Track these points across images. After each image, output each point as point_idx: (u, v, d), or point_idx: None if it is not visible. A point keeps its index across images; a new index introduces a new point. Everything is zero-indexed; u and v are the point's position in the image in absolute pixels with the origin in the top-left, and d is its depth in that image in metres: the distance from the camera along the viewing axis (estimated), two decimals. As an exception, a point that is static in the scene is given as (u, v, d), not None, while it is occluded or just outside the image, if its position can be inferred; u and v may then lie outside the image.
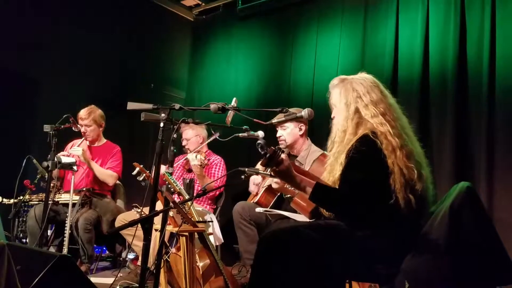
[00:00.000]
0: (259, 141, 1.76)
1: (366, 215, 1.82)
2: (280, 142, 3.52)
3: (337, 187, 1.92)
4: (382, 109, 1.95)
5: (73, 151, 3.71)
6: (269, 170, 1.84)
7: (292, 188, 2.86)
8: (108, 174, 3.90)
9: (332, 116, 2.11)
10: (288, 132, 3.45)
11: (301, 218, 2.85)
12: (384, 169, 1.82)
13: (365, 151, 1.85)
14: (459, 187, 1.82)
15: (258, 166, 3.78)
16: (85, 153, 3.78)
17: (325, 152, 3.09)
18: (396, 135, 1.88)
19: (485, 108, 3.72)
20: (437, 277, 1.77)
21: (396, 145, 1.85)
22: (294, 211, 3.00)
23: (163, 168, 3.53)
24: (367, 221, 1.84)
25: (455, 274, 1.74)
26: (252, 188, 3.57)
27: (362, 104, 1.96)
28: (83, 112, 3.90)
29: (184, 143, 4.09)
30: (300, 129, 3.46)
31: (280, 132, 3.49)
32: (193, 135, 4.03)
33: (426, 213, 1.91)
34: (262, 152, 1.74)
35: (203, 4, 6.17)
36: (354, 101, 1.98)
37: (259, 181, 3.50)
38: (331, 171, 1.98)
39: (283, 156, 1.81)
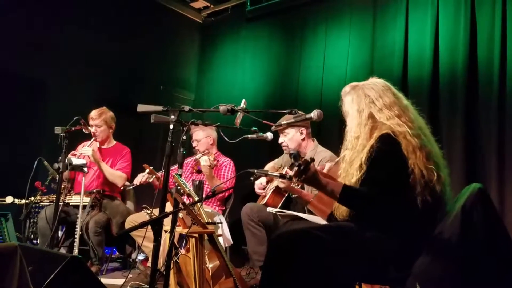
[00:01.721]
0: (291, 151, 1.74)
1: (389, 216, 1.80)
2: (283, 148, 3.50)
3: None
4: (397, 111, 1.94)
5: (83, 151, 3.74)
6: (281, 174, 1.82)
7: (299, 187, 2.86)
8: (117, 175, 3.92)
9: (346, 123, 2.10)
10: (290, 138, 3.42)
11: (314, 219, 2.83)
12: (407, 168, 1.80)
13: (389, 150, 1.83)
14: (471, 189, 1.81)
15: (267, 167, 3.78)
16: (95, 153, 3.81)
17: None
18: (415, 135, 1.86)
19: (496, 108, 3.68)
20: (448, 278, 1.76)
21: (416, 145, 1.83)
22: (302, 211, 2.99)
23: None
24: (382, 222, 1.82)
25: (466, 276, 1.73)
26: (258, 192, 3.55)
27: (376, 109, 1.96)
28: (94, 112, 3.94)
29: (194, 144, 4.09)
30: (301, 133, 3.43)
31: (282, 139, 3.46)
32: (203, 136, 4.04)
33: (442, 216, 1.88)
34: (296, 164, 1.71)
35: (211, 6, 6.18)
36: (367, 107, 1.97)
37: (263, 187, 3.48)
38: (345, 177, 1.97)
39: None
